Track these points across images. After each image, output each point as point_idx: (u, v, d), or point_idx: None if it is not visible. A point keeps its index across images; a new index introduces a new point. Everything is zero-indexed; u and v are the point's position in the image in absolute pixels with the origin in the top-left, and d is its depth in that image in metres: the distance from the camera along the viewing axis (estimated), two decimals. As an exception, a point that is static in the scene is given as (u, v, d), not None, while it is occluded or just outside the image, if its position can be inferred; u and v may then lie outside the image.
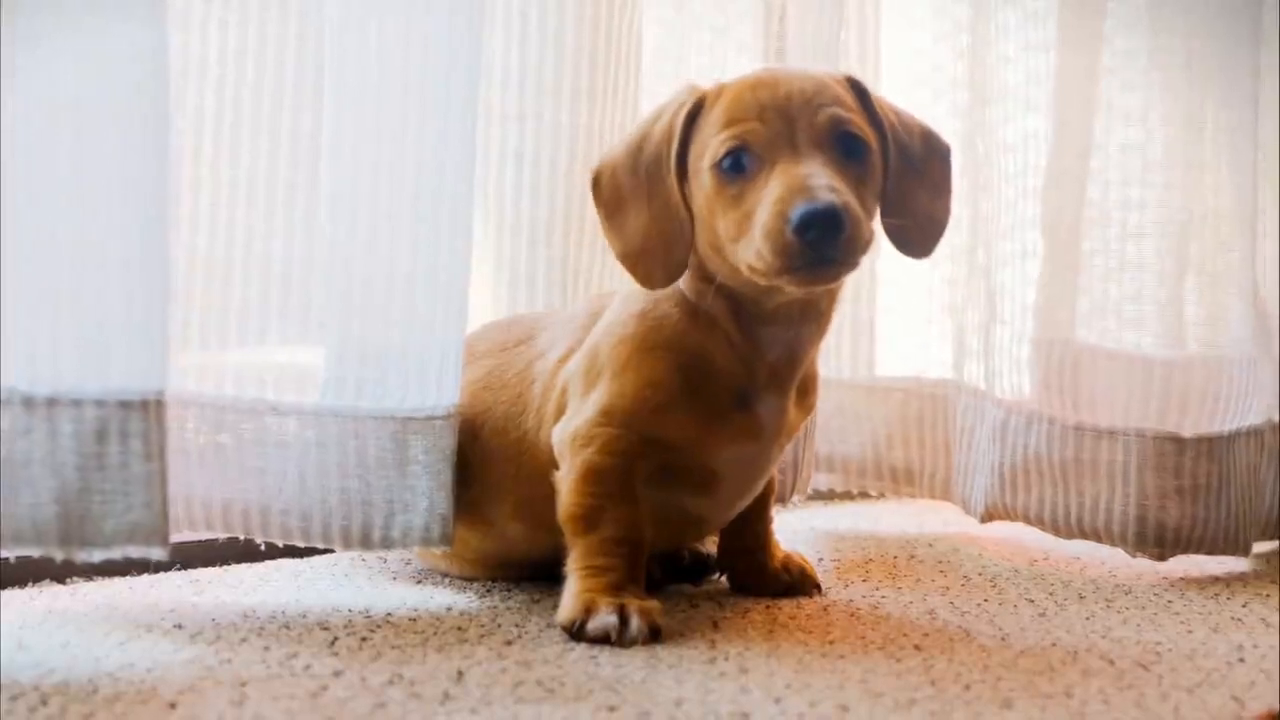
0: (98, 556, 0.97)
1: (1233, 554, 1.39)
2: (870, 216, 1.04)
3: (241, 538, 1.14)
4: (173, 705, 0.85)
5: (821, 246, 0.97)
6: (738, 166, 1.03)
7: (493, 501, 1.16)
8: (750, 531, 1.22)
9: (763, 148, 1.02)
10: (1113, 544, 1.38)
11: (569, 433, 1.10)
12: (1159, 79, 1.42)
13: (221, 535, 1.15)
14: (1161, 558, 1.38)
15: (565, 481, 1.09)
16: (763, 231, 0.99)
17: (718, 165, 1.03)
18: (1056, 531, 1.41)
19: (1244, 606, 1.23)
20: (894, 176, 1.08)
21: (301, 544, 1.14)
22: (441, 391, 1.14)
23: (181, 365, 1.12)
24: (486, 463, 1.16)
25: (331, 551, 1.27)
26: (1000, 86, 1.46)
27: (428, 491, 1.13)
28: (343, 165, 1.12)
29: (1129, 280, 1.42)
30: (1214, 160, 1.43)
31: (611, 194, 1.10)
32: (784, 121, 1.03)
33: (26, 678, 0.90)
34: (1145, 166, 1.42)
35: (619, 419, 1.08)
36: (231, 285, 1.14)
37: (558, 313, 1.24)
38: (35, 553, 0.97)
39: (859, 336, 1.59)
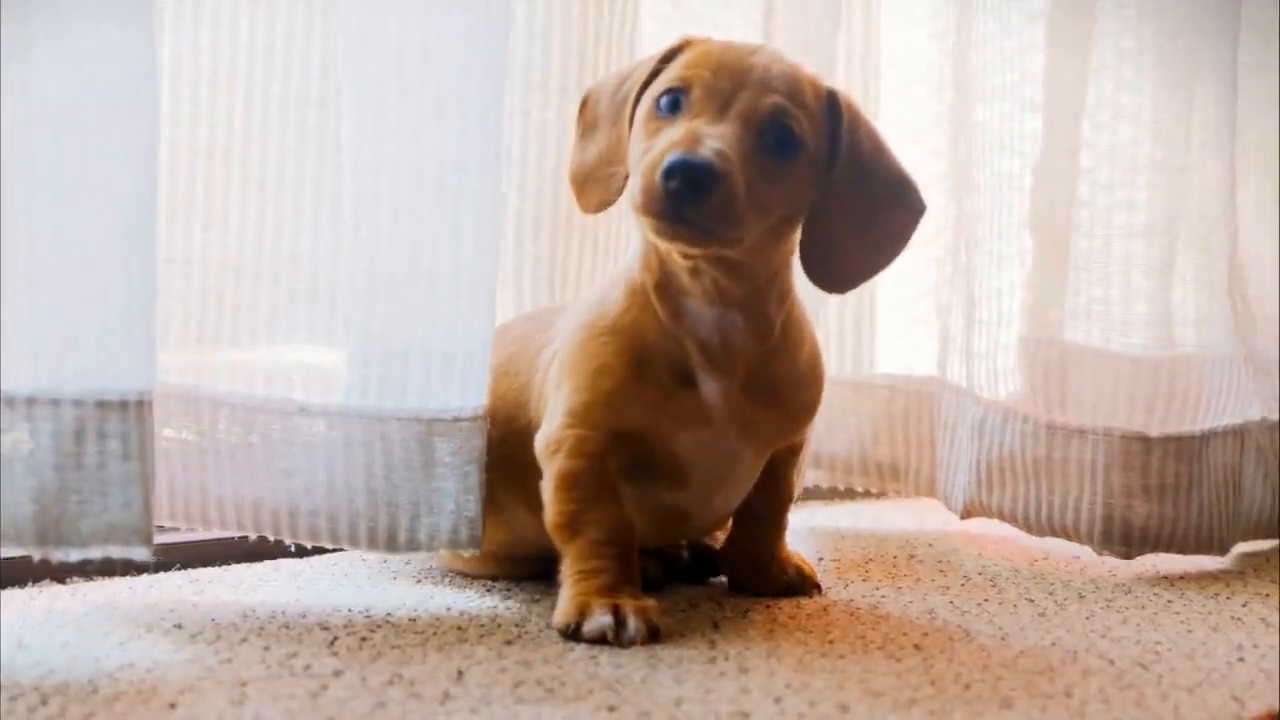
0: (75, 556, 0.97)
1: (1207, 553, 1.39)
2: (766, 211, 1.03)
3: (270, 538, 1.14)
4: (173, 705, 0.86)
5: (680, 201, 0.97)
6: (673, 106, 1.04)
7: (504, 486, 1.16)
8: (758, 533, 1.21)
9: (699, 97, 1.03)
10: (1080, 542, 1.39)
11: (543, 440, 1.10)
12: (1140, 78, 1.41)
13: (253, 535, 1.15)
14: (1128, 556, 1.38)
15: (546, 490, 1.09)
16: (642, 168, 1.00)
17: (656, 99, 1.05)
18: (1029, 529, 1.41)
19: (1244, 606, 1.23)
20: (835, 202, 1.07)
21: (329, 545, 1.15)
22: (467, 392, 1.13)
23: (213, 364, 1.12)
24: (500, 447, 1.16)
25: (334, 551, 1.27)
26: (990, 86, 1.46)
27: (454, 494, 1.13)
28: (365, 162, 1.12)
29: (1098, 279, 1.43)
30: (1196, 160, 1.43)
31: (591, 116, 1.13)
32: (731, 84, 1.03)
33: (26, 678, 0.90)
34: (1124, 165, 1.42)
35: (581, 417, 1.08)
36: (260, 284, 1.14)
37: (574, 304, 1.25)
38: (12, 552, 0.97)
39: (844, 334, 1.59)
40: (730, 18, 1.49)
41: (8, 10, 0.93)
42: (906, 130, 1.57)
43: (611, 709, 0.87)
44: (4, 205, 0.95)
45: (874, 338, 1.61)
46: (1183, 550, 1.38)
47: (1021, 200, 1.45)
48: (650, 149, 1.01)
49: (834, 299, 1.56)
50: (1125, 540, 1.37)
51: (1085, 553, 1.44)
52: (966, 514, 1.45)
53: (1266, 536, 1.50)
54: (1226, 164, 1.44)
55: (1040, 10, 1.44)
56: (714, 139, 0.99)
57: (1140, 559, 1.40)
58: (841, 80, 1.51)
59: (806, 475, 1.59)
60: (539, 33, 1.34)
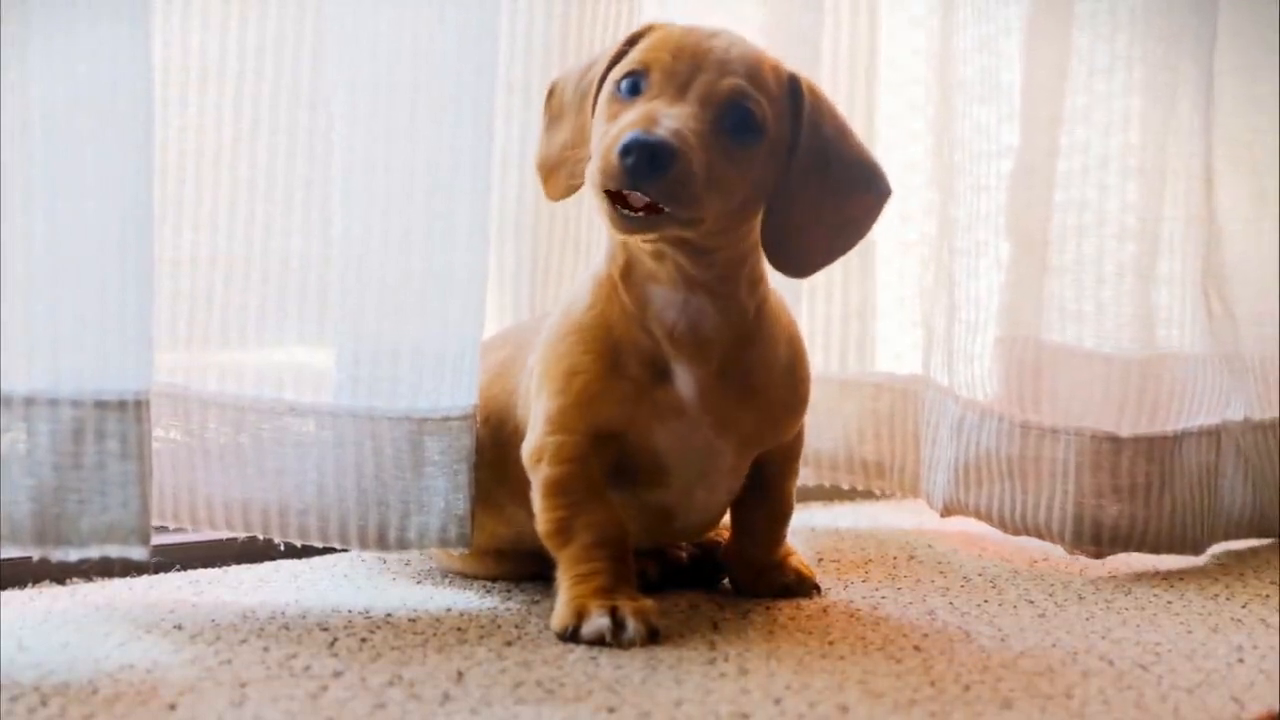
0: (74, 556, 0.97)
1: (1180, 553, 1.40)
2: (727, 194, 1.03)
3: (260, 537, 1.15)
4: (173, 706, 0.86)
5: (637, 177, 0.97)
6: (634, 89, 1.04)
7: (498, 484, 1.17)
8: (757, 543, 1.21)
9: (658, 79, 1.03)
10: (1052, 541, 1.39)
11: (528, 449, 1.10)
12: (1119, 82, 1.42)
13: (243, 534, 1.16)
14: (1099, 555, 1.38)
15: (535, 499, 1.09)
16: (601, 149, 1.00)
17: (617, 83, 1.05)
18: (1004, 528, 1.42)
19: (1244, 607, 1.23)
20: (796, 187, 1.07)
21: (320, 544, 1.15)
22: (457, 391, 1.14)
23: (203, 364, 1.13)
24: (494, 448, 1.16)
25: (333, 551, 1.27)
26: (983, 89, 1.45)
27: (444, 493, 1.13)
28: (356, 162, 1.12)
29: (1071, 280, 1.43)
30: (1173, 162, 1.43)
31: (557, 105, 1.14)
32: (690, 66, 1.03)
33: (26, 678, 0.90)
34: (1101, 167, 1.42)
35: (559, 422, 1.08)
36: (250, 284, 1.15)
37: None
38: (11, 551, 0.97)
39: (831, 331, 1.58)
40: (723, 18, 1.49)
41: (7, 10, 0.93)
42: (904, 130, 1.58)
43: (611, 710, 0.87)
44: (2, 205, 0.95)
45: (872, 335, 1.60)
46: (1155, 550, 1.39)
47: (1003, 202, 1.45)
48: (610, 130, 1.02)
49: (829, 295, 1.57)
50: (1095, 540, 1.37)
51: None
52: (946, 512, 1.46)
53: (1248, 536, 1.51)
54: (1202, 164, 1.44)
55: (1023, 14, 1.44)
56: (671, 119, 1.00)
57: (1141, 560, 1.40)
58: (828, 78, 1.51)
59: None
60: (520, 33, 1.35)
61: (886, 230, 1.59)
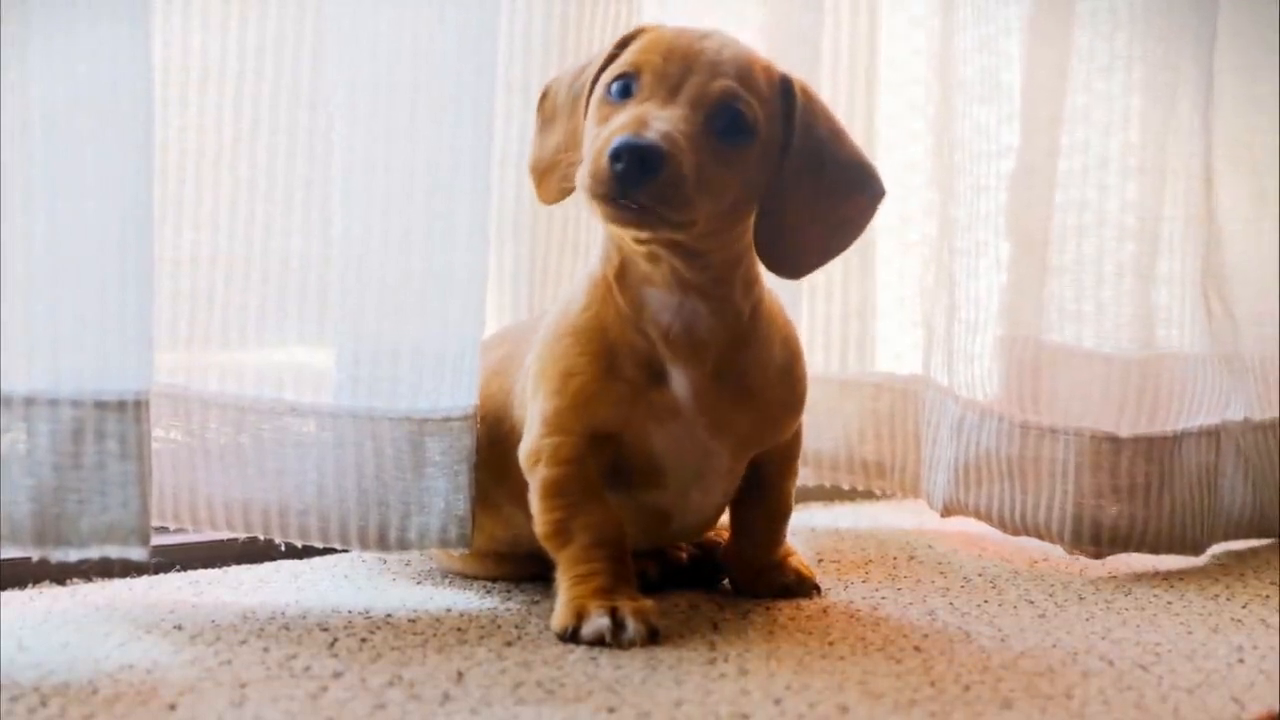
0: (74, 556, 0.97)
1: (1180, 553, 1.40)
2: (718, 196, 1.02)
3: (260, 537, 1.15)
4: (173, 706, 0.86)
5: (627, 181, 0.97)
6: (625, 91, 1.04)
7: (495, 483, 1.17)
8: (756, 544, 1.21)
9: (649, 81, 1.03)
10: (1052, 541, 1.40)
11: (525, 451, 1.10)
12: (1119, 83, 1.42)
13: (242, 535, 1.16)
14: (1098, 556, 1.39)
15: (532, 501, 1.10)
16: (591, 153, 1.00)
17: (608, 86, 1.05)
18: (1004, 528, 1.42)
19: (1244, 607, 1.23)
20: (789, 188, 1.07)
21: (320, 544, 1.15)
22: (458, 392, 1.14)
23: (203, 364, 1.13)
24: (490, 446, 1.16)
25: (333, 552, 1.27)
26: (983, 89, 1.45)
27: (444, 493, 1.14)
28: (356, 162, 1.12)
29: (1070, 280, 1.43)
30: (1173, 162, 1.43)
31: (550, 108, 1.13)
32: (680, 69, 1.03)
33: (26, 678, 0.90)
34: (1101, 167, 1.42)
35: (555, 424, 1.08)
36: (250, 284, 1.15)
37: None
38: (11, 551, 0.97)
39: (831, 331, 1.58)
40: (722, 18, 1.49)
41: (7, 10, 0.93)
42: (904, 130, 1.58)
43: (611, 710, 0.87)
44: (2, 205, 0.95)
45: (872, 335, 1.60)
46: (1154, 550, 1.39)
47: (1003, 202, 1.45)
48: (600, 134, 1.01)
49: (829, 295, 1.57)
50: (1095, 540, 1.38)
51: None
52: (946, 512, 1.46)
53: (1248, 536, 1.51)
54: (1202, 164, 1.45)
55: (1024, 14, 1.44)
56: (661, 121, 0.99)
57: (1141, 560, 1.40)
58: (828, 78, 1.51)
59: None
60: (519, 33, 1.35)
61: (887, 230, 1.60)
